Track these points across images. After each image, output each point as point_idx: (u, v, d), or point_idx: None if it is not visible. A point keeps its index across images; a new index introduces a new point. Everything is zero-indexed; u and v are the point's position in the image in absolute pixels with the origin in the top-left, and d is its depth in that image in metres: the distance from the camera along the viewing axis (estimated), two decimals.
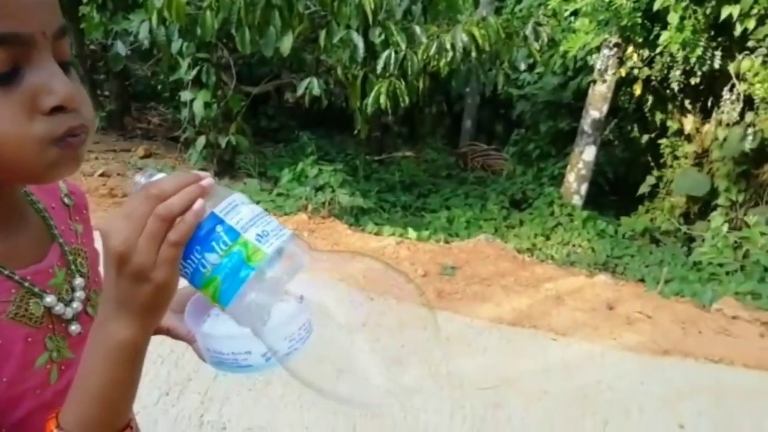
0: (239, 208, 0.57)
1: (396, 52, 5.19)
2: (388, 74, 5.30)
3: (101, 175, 5.96)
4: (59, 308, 0.67)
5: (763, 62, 5.19)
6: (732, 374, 3.56)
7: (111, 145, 7.06)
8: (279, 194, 5.86)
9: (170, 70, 6.63)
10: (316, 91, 5.52)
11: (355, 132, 6.68)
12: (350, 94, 5.84)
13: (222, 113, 6.16)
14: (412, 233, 5.38)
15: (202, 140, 6.24)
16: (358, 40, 5.06)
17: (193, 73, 5.87)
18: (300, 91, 5.61)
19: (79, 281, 0.72)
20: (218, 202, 0.57)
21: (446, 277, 4.53)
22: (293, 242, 0.60)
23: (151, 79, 9.27)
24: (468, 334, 3.69)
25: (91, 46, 7.73)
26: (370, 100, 5.42)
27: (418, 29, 5.26)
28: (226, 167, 6.61)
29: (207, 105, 5.95)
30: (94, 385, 0.57)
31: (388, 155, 9.20)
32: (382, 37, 5.20)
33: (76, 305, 0.70)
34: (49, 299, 0.66)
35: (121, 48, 6.10)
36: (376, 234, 5.42)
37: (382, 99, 5.35)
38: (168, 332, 0.82)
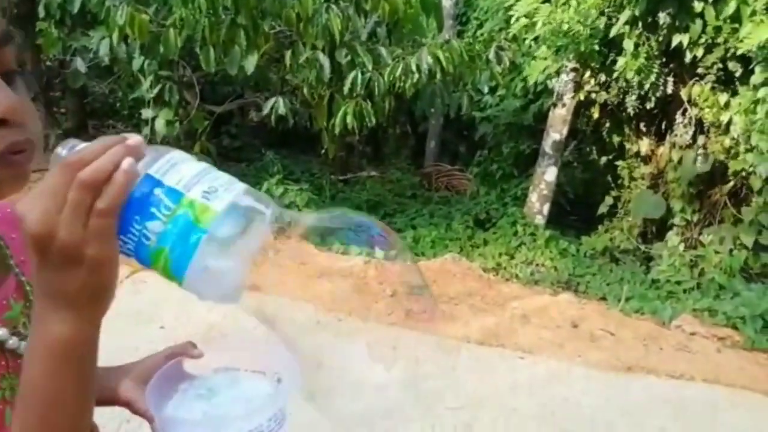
0: (179, 167, 0.49)
1: (362, 73, 5.22)
2: (354, 95, 5.32)
3: None
4: (12, 342, 0.60)
5: (712, 88, 5.45)
6: (692, 389, 3.65)
7: None
8: None
9: (129, 88, 6.49)
10: (282, 110, 5.48)
11: (322, 152, 6.66)
12: (316, 114, 5.83)
13: (184, 132, 6.06)
14: (379, 253, 5.36)
15: None
16: (325, 61, 5.08)
17: (155, 90, 5.76)
18: (265, 111, 5.58)
19: None
20: (153, 162, 0.48)
21: (414, 296, 4.52)
22: (250, 196, 0.52)
23: (109, 96, 9.05)
24: (437, 353, 3.69)
25: (48, 63, 7.52)
26: (337, 120, 5.42)
27: (383, 51, 5.32)
28: None
29: (169, 123, 5.84)
30: (41, 394, 0.49)
31: (353, 175, 9.19)
32: (348, 58, 5.23)
33: None
34: (1, 332, 0.60)
35: (80, 65, 5.95)
36: (343, 254, 5.39)
37: (349, 119, 5.36)
38: (128, 405, 0.75)
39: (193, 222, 0.47)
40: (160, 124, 5.82)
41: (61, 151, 0.50)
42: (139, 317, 3.66)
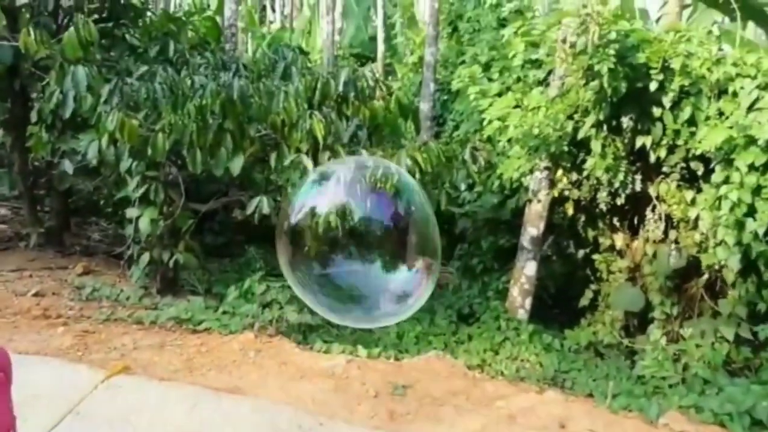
0: None
1: None
2: None
3: (35, 294, 5.66)
4: None
5: (678, 186, 5.72)
6: None
7: (47, 263, 6.78)
8: (224, 312, 5.69)
9: (115, 186, 6.59)
10: (266, 210, 5.60)
11: (305, 249, 6.71)
12: None
13: (168, 230, 6.10)
14: (362, 351, 5.29)
15: (146, 257, 6.10)
16: (308, 163, 5.27)
17: (141, 190, 5.86)
18: (250, 210, 5.68)
19: None
20: None
21: (398, 397, 4.42)
22: None
23: (92, 194, 9.14)
24: None
25: (35, 163, 7.65)
26: (321, 219, 5.52)
27: (364, 153, 5.54)
28: (169, 284, 6.43)
29: (153, 222, 5.89)
30: None
31: (337, 269, 9.16)
32: (331, 160, 5.43)
33: None
34: None
35: (68, 167, 6.08)
36: (325, 352, 5.30)
37: (332, 218, 5.47)
38: None
39: None
40: (144, 223, 5.86)
41: None
42: (112, 424, 3.51)
